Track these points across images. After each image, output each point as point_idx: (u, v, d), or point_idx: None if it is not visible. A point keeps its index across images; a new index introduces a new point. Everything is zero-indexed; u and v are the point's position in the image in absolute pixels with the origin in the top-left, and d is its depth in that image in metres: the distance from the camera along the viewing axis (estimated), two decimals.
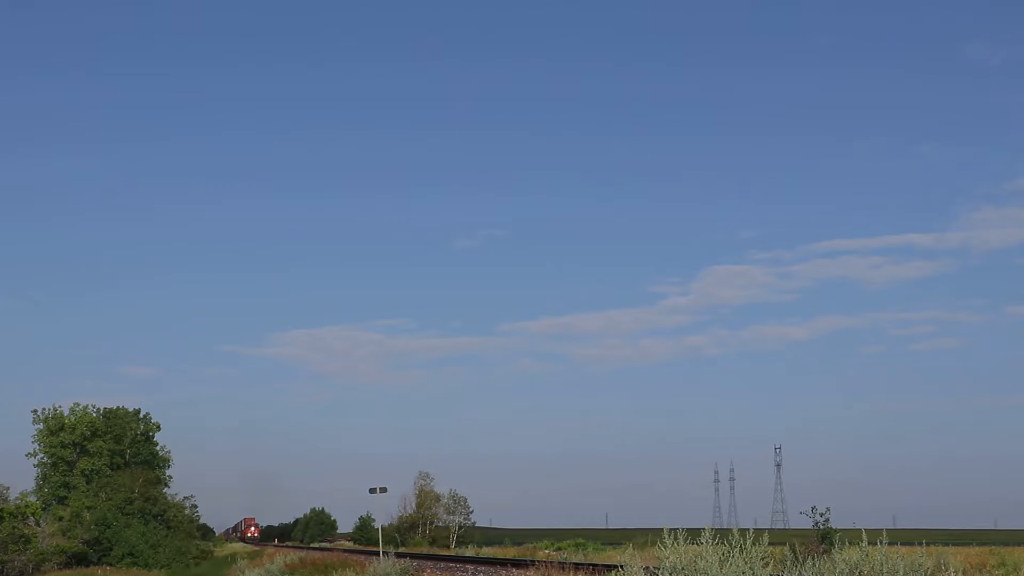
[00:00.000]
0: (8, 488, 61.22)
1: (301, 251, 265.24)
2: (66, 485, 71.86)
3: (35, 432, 73.28)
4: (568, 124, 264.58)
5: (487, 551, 66.72)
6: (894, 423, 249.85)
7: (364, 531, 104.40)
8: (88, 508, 63.31)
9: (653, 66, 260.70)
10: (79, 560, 57.74)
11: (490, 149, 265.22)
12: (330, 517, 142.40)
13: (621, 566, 15.83)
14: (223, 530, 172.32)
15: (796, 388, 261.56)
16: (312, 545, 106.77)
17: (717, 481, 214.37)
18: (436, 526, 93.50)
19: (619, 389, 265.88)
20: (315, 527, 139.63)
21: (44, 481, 72.90)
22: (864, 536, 14.72)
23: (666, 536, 13.80)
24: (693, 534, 13.97)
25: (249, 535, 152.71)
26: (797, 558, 20.86)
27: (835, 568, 14.55)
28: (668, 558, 13.47)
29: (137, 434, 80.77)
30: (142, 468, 76.62)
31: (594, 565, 30.48)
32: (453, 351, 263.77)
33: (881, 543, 14.48)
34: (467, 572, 34.88)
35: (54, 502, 69.42)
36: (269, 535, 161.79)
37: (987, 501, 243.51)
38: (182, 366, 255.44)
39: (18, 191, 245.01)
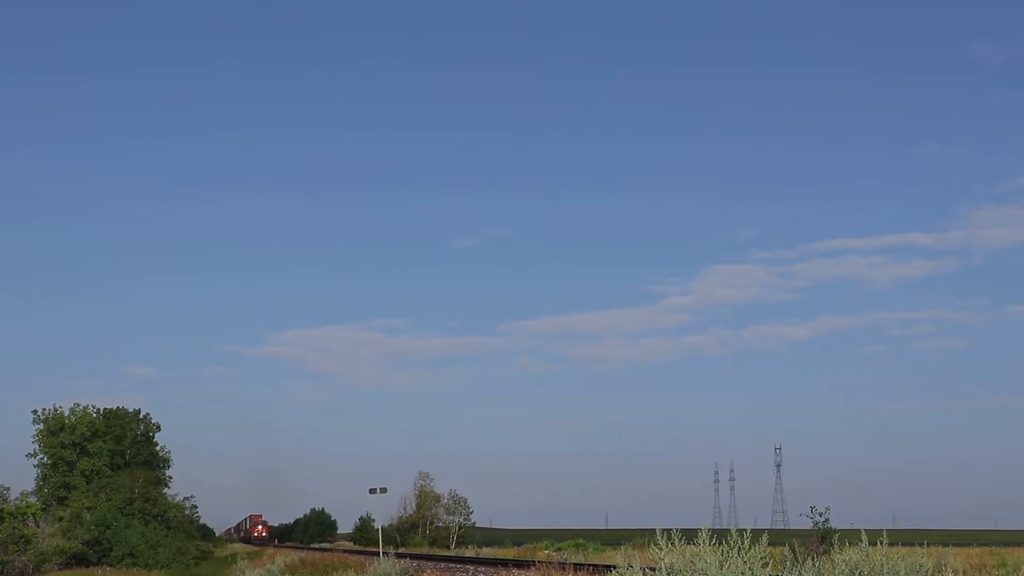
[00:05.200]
0: (8, 488, 61.20)
1: (301, 251, 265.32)
2: (66, 485, 71.76)
3: (35, 432, 73.21)
4: (568, 124, 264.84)
5: (487, 551, 66.69)
6: (894, 423, 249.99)
7: (364, 531, 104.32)
8: (88, 508, 63.27)
9: (653, 66, 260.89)
10: (79, 560, 57.69)
11: (490, 149, 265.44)
12: (330, 517, 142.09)
13: (615, 567, 15.79)
14: (224, 530, 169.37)
15: (796, 388, 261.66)
16: (312, 546, 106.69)
17: (717, 481, 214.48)
18: (436, 526, 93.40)
19: (619, 389, 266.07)
20: (315, 527, 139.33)
21: (44, 481, 72.78)
22: (864, 536, 14.68)
23: (659, 536, 13.74)
24: (691, 534, 13.92)
25: (256, 535, 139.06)
26: (797, 559, 20.82)
27: (835, 568, 14.51)
28: (664, 559, 13.42)
29: (137, 434, 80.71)
30: (142, 468, 76.58)
31: (594, 565, 30.44)
32: (453, 351, 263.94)
33: (881, 543, 14.45)
34: (467, 572, 34.82)
35: (54, 502, 69.33)
36: (270, 535, 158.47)
37: (987, 501, 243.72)
38: (182, 366, 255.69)
39: (18, 191, 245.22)
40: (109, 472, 73.25)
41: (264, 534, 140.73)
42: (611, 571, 23.13)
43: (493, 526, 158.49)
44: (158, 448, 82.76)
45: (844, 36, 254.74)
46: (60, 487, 71.74)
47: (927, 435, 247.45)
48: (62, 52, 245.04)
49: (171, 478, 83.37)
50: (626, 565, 14.88)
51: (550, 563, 27.72)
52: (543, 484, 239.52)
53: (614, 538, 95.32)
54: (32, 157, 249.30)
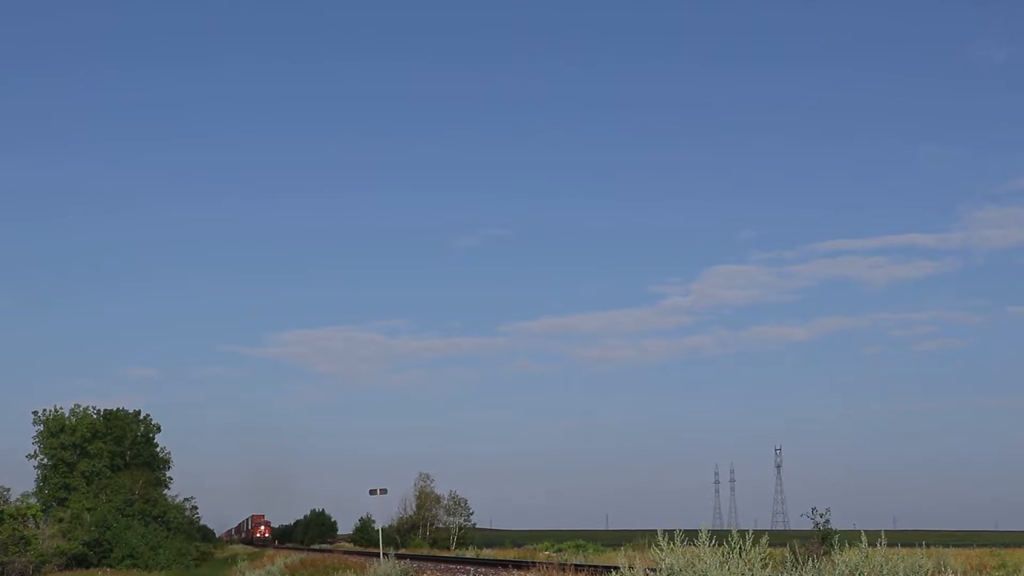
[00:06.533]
0: (9, 490, 61.07)
1: (301, 251, 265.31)
2: (66, 487, 71.79)
3: (35, 433, 73.28)
4: (568, 124, 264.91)
5: (487, 553, 66.67)
6: (894, 424, 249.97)
7: (364, 532, 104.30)
8: (88, 510, 63.27)
9: (654, 66, 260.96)
10: (79, 562, 57.69)
11: (490, 149, 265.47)
12: (330, 519, 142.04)
13: (617, 568, 15.79)
14: (224, 530, 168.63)
15: (797, 389, 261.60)
16: (312, 547, 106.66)
17: (717, 482, 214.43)
18: (436, 527, 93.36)
19: (620, 390, 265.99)
20: (315, 528, 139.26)
21: (44, 483, 72.82)
22: (864, 537, 14.69)
23: (661, 538, 13.76)
24: (692, 535, 13.94)
25: (258, 536, 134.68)
26: (797, 559, 20.82)
27: (835, 569, 14.53)
28: (664, 560, 13.43)
29: (137, 435, 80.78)
30: (142, 470, 76.62)
31: (594, 566, 30.46)
32: (453, 352, 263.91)
33: (880, 544, 14.47)
34: (467, 574, 34.86)
35: (54, 504, 69.32)
36: (272, 535, 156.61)
37: (987, 502, 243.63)
38: (182, 367, 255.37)
39: (18, 191, 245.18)
40: (109, 473, 73.27)
41: (267, 535, 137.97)
42: (612, 572, 23.14)
43: (493, 527, 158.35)
44: (158, 449, 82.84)
45: (844, 36, 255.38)
46: (60, 488, 71.77)
47: (927, 436, 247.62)
48: (59, 52, 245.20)
49: (171, 479, 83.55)
50: (627, 566, 14.90)
51: (550, 564, 27.73)
52: (543, 485, 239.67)
53: (614, 539, 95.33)
54: (31, 158, 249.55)
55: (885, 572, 13.99)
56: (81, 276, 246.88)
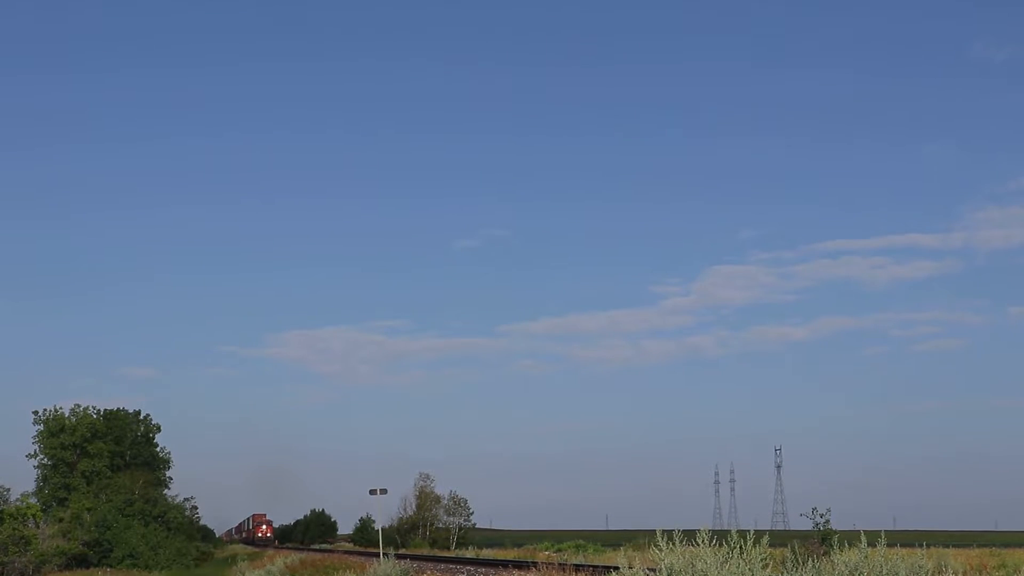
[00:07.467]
0: (8, 490, 61.19)
1: (301, 251, 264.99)
2: (66, 487, 71.83)
3: (35, 433, 73.34)
4: (568, 124, 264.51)
5: (487, 553, 66.67)
6: (895, 424, 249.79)
7: (364, 532, 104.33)
8: (88, 510, 63.30)
9: (653, 66, 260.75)
10: (79, 562, 57.72)
11: (490, 149, 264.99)
12: (330, 519, 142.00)
13: (617, 568, 15.79)
14: (224, 530, 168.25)
15: (797, 389, 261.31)
16: (312, 547, 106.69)
17: (717, 482, 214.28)
18: (436, 527, 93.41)
19: (620, 390, 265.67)
20: (315, 528, 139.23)
21: (44, 483, 72.89)
22: (863, 537, 14.70)
23: (660, 538, 13.76)
24: (691, 535, 13.94)
25: (260, 535, 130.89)
26: (797, 560, 20.81)
27: (834, 570, 14.53)
28: (664, 560, 13.43)
29: (137, 435, 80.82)
30: (142, 470, 76.66)
31: (594, 566, 30.49)
32: (453, 352, 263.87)
33: (880, 544, 14.47)
34: (467, 574, 34.88)
35: (54, 504, 69.38)
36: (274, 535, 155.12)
37: (988, 502, 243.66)
38: (182, 367, 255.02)
39: (18, 191, 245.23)
40: (109, 473, 73.31)
41: (268, 534, 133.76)
42: (612, 572, 23.17)
43: (493, 527, 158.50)
44: (158, 449, 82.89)
45: (845, 36, 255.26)
46: (60, 488, 71.80)
47: (927, 436, 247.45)
48: (59, 51, 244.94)
49: (171, 479, 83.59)
50: (627, 566, 14.91)
51: (550, 564, 27.72)
52: (543, 485, 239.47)
53: (614, 539, 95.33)
54: (33, 158, 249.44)
55: (885, 572, 14.00)
56: (81, 276, 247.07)
